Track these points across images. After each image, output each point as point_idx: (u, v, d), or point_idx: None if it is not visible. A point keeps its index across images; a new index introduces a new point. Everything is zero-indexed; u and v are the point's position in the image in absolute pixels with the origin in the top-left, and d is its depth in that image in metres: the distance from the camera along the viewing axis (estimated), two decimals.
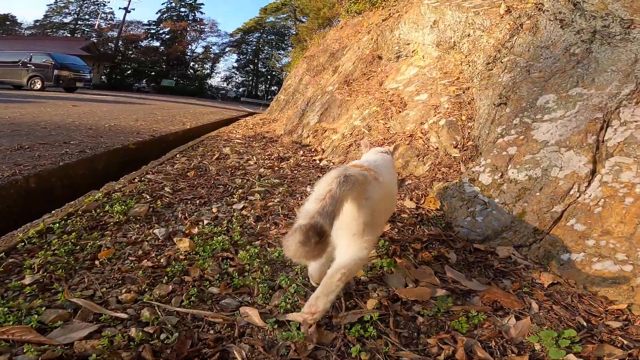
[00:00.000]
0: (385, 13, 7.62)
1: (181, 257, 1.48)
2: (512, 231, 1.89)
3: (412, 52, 5.46)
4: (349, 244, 1.13)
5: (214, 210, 2.09)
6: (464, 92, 3.71)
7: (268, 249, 1.64)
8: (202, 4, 42.75)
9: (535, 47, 2.98)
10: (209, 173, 2.83)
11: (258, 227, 1.90)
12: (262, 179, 2.76)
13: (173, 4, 40.38)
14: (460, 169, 2.69)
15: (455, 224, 2.16)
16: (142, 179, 2.50)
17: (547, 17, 3.07)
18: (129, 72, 38.07)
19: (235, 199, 2.27)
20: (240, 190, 2.41)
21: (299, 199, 2.36)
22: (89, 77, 17.14)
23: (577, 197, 1.78)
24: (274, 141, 4.95)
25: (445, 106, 3.49)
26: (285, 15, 38.26)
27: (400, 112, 3.96)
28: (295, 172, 3.11)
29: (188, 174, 2.72)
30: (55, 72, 14.77)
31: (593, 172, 1.83)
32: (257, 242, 1.70)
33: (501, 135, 2.44)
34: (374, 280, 1.42)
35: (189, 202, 2.18)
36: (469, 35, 4.32)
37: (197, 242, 1.61)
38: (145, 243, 1.60)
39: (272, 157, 3.72)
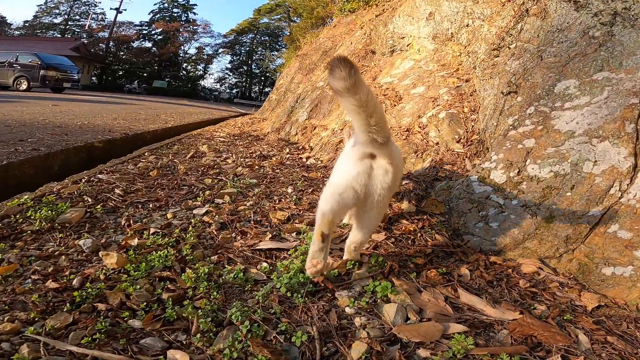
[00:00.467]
0: (379, 9, 7.30)
1: (102, 277, 1.10)
2: (536, 239, 1.53)
3: (407, 45, 5.15)
4: (367, 215, 1.22)
5: (169, 215, 1.70)
6: (464, 84, 3.37)
7: (226, 266, 1.26)
8: (195, 4, 42.32)
9: (546, 32, 2.65)
10: (176, 172, 2.44)
11: (220, 237, 1.51)
12: (237, 178, 2.38)
13: (166, 5, 39.91)
14: (465, 165, 2.33)
15: (464, 231, 1.80)
16: (91, 179, 2.10)
17: (558, 0, 2.74)
18: (120, 73, 37.54)
19: (199, 202, 1.89)
20: (207, 192, 2.03)
21: (276, 201, 1.98)
22: (76, 77, 16.66)
23: (619, 198, 1.42)
24: (259, 139, 4.57)
25: (444, 98, 3.14)
26: (279, 17, 37.96)
27: (395, 105, 3.60)
28: (277, 171, 2.73)
29: (150, 173, 2.33)
30: (42, 72, 14.33)
31: (635, 167, 1.48)
32: (213, 257, 1.31)
33: (513, 126, 2.09)
34: (362, 312, 1.04)
35: (140, 206, 1.79)
36: (467, 26, 3.99)
37: (131, 257, 1.22)
38: (63, 257, 1.21)
39: (254, 155, 3.34)
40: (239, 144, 4.07)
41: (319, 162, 3.12)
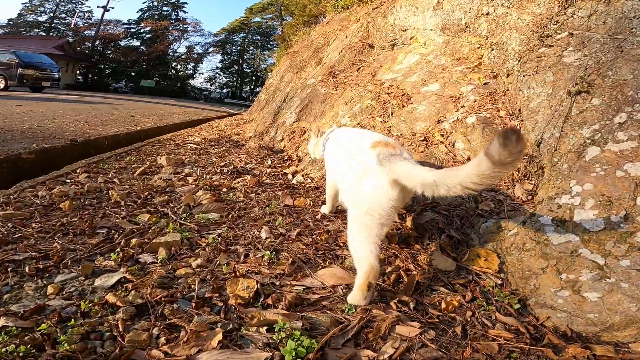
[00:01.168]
0: (376, 2, 6.61)
1: None
2: None
3: (410, 39, 4.50)
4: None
5: (51, 289, 0.98)
6: (492, 80, 2.70)
7: None
8: (186, 3, 41.26)
9: (616, 19, 2.00)
10: (103, 202, 1.71)
11: (127, 339, 0.80)
12: (190, 212, 1.66)
13: (155, 3, 38.84)
14: (514, 192, 1.65)
15: (536, 301, 1.12)
16: None
17: None
18: (107, 72, 36.42)
19: (112, 262, 1.17)
20: (134, 241, 1.30)
21: (241, 257, 1.27)
22: (56, 76, 15.75)
23: None
24: (239, 146, 3.85)
25: (470, 98, 2.46)
26: (271, 16, 37.16)
27: (403, 106, 2.91)
28: (251, 195, 2.02)
29: (61, 205, 1.60)
30: (19, 70, 13.41)
31: None
32: None
33: (595, 141, 1.41)
34: None
35: (12, 268, 1.07)
36: (487, 14, 3.35)
37: None
38: None
39: (226, 170, 2.62)
40: (212, 153, 3.35)
41: (308, 180, 2.41)
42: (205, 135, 4.73)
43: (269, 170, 2.64)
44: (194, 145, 3.68)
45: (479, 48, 3.36)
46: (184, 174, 2.39)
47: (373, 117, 2.81)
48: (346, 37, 5.98)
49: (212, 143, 3.97)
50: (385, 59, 4.56)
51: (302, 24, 15.35)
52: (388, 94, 3.23)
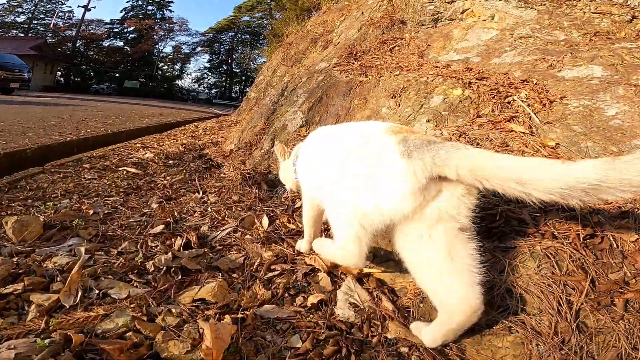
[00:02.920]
0: None
1: None
2: None
3: (462, 12, 3.20)
4: None
5: None
6: None
7: None
8: (172, 1, 39.26)
9: None
10: None
11: None
12: None
13: (139, 2, 37.07)
14: None
15: None
16: None
17: None
18: (90, 73, 34.62)
19: None
20: None
21: None
22: (26, 76, 14.30)
23: None
24: (211, 168, 2.34)
25: None
26: (260, 14, 35.70)
27: (549, 102, 1.45)
28: None
29: None
30: None
31: None
32: None
33: None
34: None
35: None
36: None
37: None
38: None
39: (161, 250, 1.12)
40: (157, 187, 1.85)
41: (369, 276, 0.93)
42: (167, 146, 3.21)
43: (266, 255, 1.15)
44: (133, 170, 2.16)
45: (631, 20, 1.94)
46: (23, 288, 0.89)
47: (494, 123, 1.34)
48: (362, 13, 4.53)
49: (170, 162, 2.47)
50: (429, 36, 3.19)
51: (294, 17, 14.24)
52: (479, 80, 1.78)
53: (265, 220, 1.36)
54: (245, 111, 7.44)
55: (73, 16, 36.07)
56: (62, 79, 31.67)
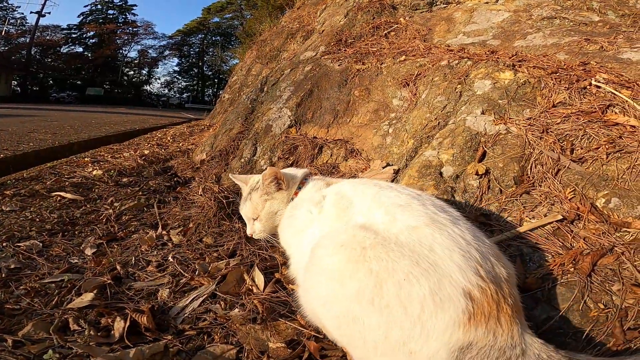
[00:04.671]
0: None
1: None
2: None
3: None
4: None
5: None
6: None
7: None
8: (135, 5, 37.48)
9: None
10: None
11: None
12: None
13: (99, 6, 35.19)
14: None
15: None
16: None
17: None
18: (49, 81, 32.60)
19: None
20: None
21: None
22: None
23: None
24: (175, 187, 1.82)
25: None
26: (231, 15, 34.72)
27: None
28: None
29: None
30: None
31: None
32: None
33: None
34: None
35: None
36: None
37: None
38: None
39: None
40: (100, 219, 1.32)
41: None
42: (123, 159, 2.63)
43: (274, 346, 0.67)
44: (69, 196, 1.61)
45: None
46: None
47: (587, 114, 0.92)
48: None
49: (124, 180, 1.92)
50: (427, 20, 2.84)
51: (267, 14, 13.82)
52: (520, 62, 1.36)
53: (259, 277, 0.88)
54: (219, 114, 6.91)
55: (26, 23, 33.81)
56: (18, 88, 29.72)
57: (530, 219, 0.90)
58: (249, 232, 0.94)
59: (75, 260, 1.07)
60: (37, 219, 1.41)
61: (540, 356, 0.53)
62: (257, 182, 0.96)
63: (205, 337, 0.72)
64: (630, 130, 0.93)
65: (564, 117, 1.04)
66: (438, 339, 0.53)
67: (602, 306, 0.67)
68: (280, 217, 0.90)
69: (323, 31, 3.37)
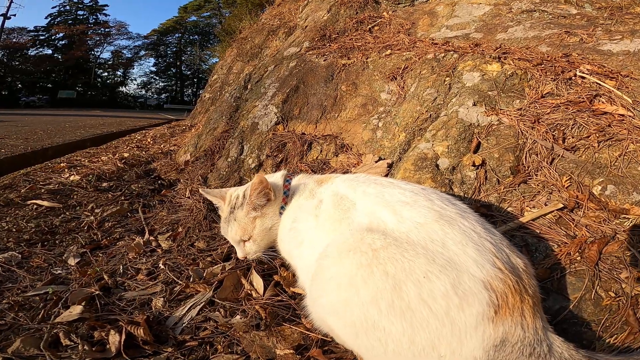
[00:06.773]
0: None
1: None
2: None
3: None
4: None
5: None
6: None
7: None
8: (107, 5, 36.12)
9: None
10: None
11: None
12: None
13: (68, 7, 33.80)
14: None
15: None
16: None
17: None
18: (18, 85, 31.20)
19: None
20: None
21: None
22: None
23: None
24: (159, 190, 1.75)
25: None
26: (209, 13, 34.01)
27: (622, 78, 1.05)
28: None
29: None
30: None
31: None
32: None
33: None
34: None
35: None
36: None
37: None
38: None
39: None
40: (82, 228, 1.25)
41: None
42: (102, 163, 2.52)
43: (282, 352, 0.64)
44: (47, 204, 1.52)
45: None
46: None
47: (575, 104, 0.92)
48: None
49: (104, 185, 1.84)
50: (409, 14, 2.85)
51: (247, 12, 13.63)
52: (504, 54, 1.37)
53: (258, 281, 0.84)
54: (200, 113, 6.77)
55: None
56: None
57: (531, 208, 0.89)
58: (240, 255, 0.83)
59: (59, 271, 1.01)
60: (14, 229, 1.32)
61: (563, 355, 0.52)
62: (237, 198, 0.85)
63: (208, 348, 0.68)
64: (619, 118, 0.94)
65: (554, 107, 1.05)
66: (472, 338, 0.50)
67: (613, 294, 0.67)
68: (276, 230, 0.83)
69: (306, 27, 3.32)
